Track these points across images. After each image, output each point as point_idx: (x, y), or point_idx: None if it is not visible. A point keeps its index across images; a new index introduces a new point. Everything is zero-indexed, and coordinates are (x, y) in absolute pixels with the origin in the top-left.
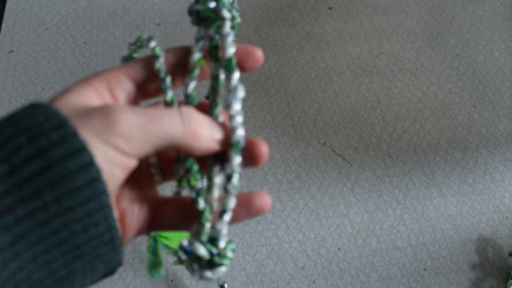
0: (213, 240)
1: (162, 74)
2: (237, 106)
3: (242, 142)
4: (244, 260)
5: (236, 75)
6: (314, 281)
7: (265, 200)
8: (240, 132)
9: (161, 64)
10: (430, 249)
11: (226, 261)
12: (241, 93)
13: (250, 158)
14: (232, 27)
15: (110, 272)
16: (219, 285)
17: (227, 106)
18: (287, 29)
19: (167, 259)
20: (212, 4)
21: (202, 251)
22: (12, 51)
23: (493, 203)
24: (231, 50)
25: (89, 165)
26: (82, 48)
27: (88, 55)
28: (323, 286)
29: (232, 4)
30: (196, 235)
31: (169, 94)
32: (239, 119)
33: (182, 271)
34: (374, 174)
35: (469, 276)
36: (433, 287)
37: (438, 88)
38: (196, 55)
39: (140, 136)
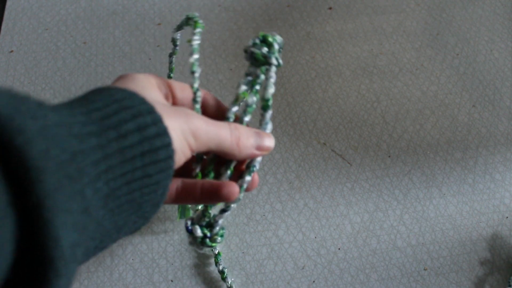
0: (210, 226)
1: (194, 68)
2: None
3: (257, 167)
4: (244, 260)
5: (269, 113)
6: (314, 281)
7: (231, 188)
8: (258, 159)
9: (194, 59)
10: (430, 249)
11: (214, 245)
12: (269, 128)
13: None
14: (277, 66)
15: (137, 228)
16: (219, 271)
17: None
18: (287, 29)
19: (168, 259)
20: (265, 50)
21: (198, 233)
22: (12, 51)
23: (493, 203)
24: (270, 91)
25: (169, 145)
26: (82, 48)
27: (88, 55)
28: (323, 286)
29: (279, 50)
30: (198, 220)
31: (196, 84)
32: None
33: (182, 271)
34: (374, 174)
35: (469, 276)
36: (433, 287)
37: (438, 88)
38: (243, 88)
39: (203, 137)
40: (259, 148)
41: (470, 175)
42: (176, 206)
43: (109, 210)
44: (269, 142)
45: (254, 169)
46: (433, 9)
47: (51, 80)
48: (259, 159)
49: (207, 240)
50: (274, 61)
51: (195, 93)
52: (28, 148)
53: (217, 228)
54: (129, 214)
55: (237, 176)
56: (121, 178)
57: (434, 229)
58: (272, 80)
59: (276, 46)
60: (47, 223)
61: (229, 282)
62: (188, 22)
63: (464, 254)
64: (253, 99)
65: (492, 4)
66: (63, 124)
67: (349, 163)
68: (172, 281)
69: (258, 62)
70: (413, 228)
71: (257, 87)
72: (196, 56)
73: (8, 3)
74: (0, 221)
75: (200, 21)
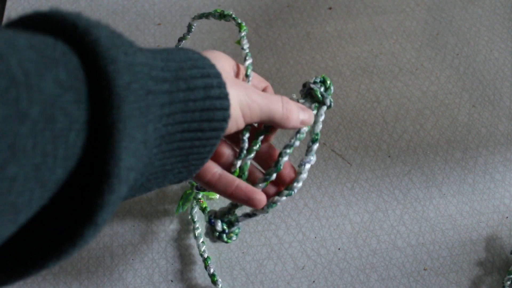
0: (229, 223)
1: (249, 71)
2: (306, 167)
3: (294, 192)
4: (244, 260)
5: (316, 145)
6: (314, 281)
7: (262, 197)
8: (298, 185)
9: (249, 63)
10: (430, 249)
11: (228, 241)
12: (313, 160)
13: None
14: (328, 106)
15: (180, 180)
16: (209, 274)
17: (300, 164)
18: (287, 29)
19: (168, 259)
20: (322, 89)
21: (218, 227)
22: None
23: (493, 203)
24: (319, 127)
25: (227, 109)
26: None
27: None
28: (323, 286)
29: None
30: (221, 215)
31: (249, 70)
32: (303, 176)
33: (182, 271)
34: (374, 174)
35: (469, 276)
36: (433, 287)
37: (438, 88)
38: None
39: (257, 110)
40: (302, 122)
41: (470, 175)
42: (172, 202)
43: (161, 151)
44: (310, 116)
45: (292, 193)
46: (433, 9)
47: None
48: (299, 185)
49: (224, 235)
50: (328, 101)
51: None
52: (116, 77)
53: (235, 228)
54: (177, 161)
55: (274, 189)
56: (178, 125)
57: (434, 229)
58: (322, 117)
59: (332, 89)
60: (115, 143)
61: (219, 286)
62: (222, 17)
63: (464, 254)
64: (305, 128)
65: (492, 4)
66: (146, 64)
67: (349, 163)
68: (172, 281)
69: (313, 98)
70: (413, 228)
71: None
72: (250, 60)
73: (8, 3)
74: (78, 133)
75: (244, 23)
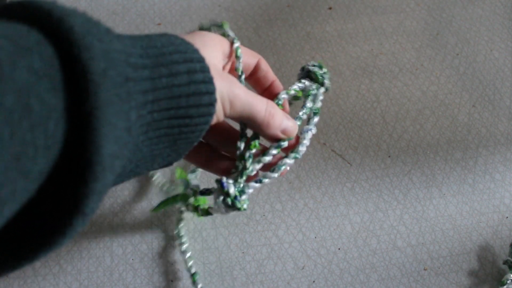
0: (240, 192)
1: (239, 71)
2: (307, 136)
3: (299, 156)
4: (244, 260)
5: (317, 118)
6: (314, 281)
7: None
8: (302, 149)
9: (239, 63)
10: (430, 249)
11: (242, 208)
12: (314, 130)
13: None
14: (326, 89)
15: (170, 163)
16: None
17: (302, 132)
18: (287, 29)
19: (168, 259)
20: (321, 71)
21: (231, 190)
22: None
23: (493, 203)
24: (319, 104)
25: (213, 93)
26: None
27: None
28: (323, 286)
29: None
30: (234, 181)
31: (242, 77)
32: (306, 142)
33: (181, 271)
34: (374, 174)
35: (469, 276)
36: (433, 287)
37: (438, 88)
38: (299, 85)
39: (238, 105)
40: (284, 131)
41: (470, 175)
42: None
43: (148, 138)
44: (294, 127)
45: (298, 156)
46: (433, 9)
47: None
48: (303, 149)
49: (237, 202)
50: (327, 82)
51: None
52: (91, 64)
53: (246, 195)
54: (165, 147)
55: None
56: (164, 112)
57: (434, 229)
58: (321, 98)
59: (328, 74)
60: (94, 130)
61: None
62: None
63: (464, 254)
64: (304, 101)
65: (492, 4)
66: (123, 51)
67: (349, 163)
68: (172, 281)
69: (311, 80)
70: (413, 228)
71: (310, 98)
72: (238, 43)
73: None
74: (57, 122)
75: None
